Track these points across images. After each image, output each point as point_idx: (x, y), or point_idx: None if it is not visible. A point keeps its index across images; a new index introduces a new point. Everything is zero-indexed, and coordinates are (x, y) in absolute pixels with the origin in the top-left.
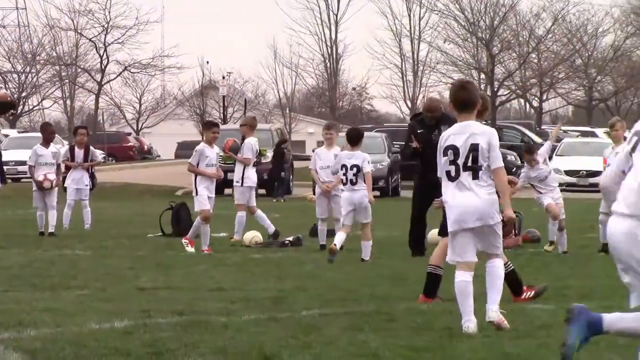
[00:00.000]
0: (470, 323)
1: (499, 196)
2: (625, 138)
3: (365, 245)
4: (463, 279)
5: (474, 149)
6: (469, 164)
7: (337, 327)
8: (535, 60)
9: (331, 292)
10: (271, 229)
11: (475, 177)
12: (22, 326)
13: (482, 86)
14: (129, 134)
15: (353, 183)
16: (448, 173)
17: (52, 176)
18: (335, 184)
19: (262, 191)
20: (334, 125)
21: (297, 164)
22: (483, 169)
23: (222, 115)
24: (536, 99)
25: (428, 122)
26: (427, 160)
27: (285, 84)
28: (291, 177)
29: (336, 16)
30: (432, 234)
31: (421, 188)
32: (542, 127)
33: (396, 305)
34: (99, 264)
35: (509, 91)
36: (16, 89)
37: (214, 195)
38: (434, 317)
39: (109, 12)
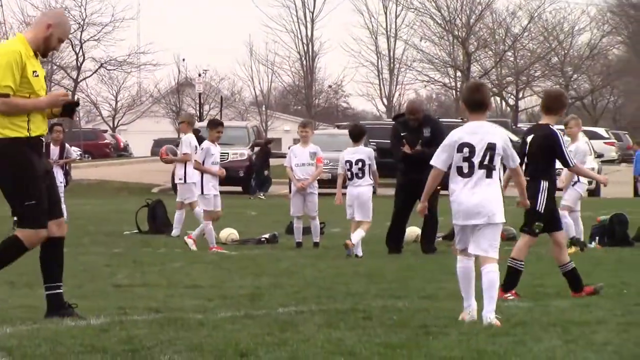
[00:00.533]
0: (470, 308)
1: None
2: (580, 135)
3: (359, 235)
4: (465, 265)
5: (491, 148)
6: (485, 162)
7: (313, 325)
8: (512, 59)
9: (307, 290)
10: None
11: (489, 175)
12: None
13: (458, 84)
14: (105, 131)
15: (359, 177)
16: (460, 169)
17: None
18: (311, 181)
19: (238, 189)
20: (309, 123)
21: (273, 162)
22: (496, 168)
23: (198, 112)
24: (512, 97)
25: (412, 124)
26: (410, 161)
27: (261, 82)
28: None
29: (312, 14)
30: (411, 230)
31: (404, 186)
32: (518, 125)
33: (372, 302)
34: (75, 261)
35: None
36: None
37: (218, 193)
38: (410, 315)
39: (85, 9)
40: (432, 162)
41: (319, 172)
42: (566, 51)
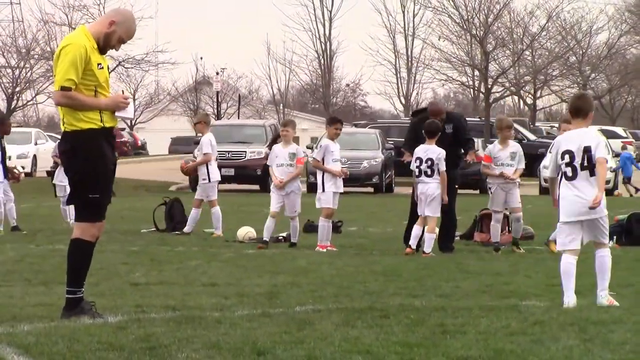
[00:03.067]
0: (570, 299)
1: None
2: (520, 140)
3: (429, 238)
4: (568, 261)
5: (587, 150)
6: (585, 164)
7: (331, 323)
8: (529, 58)
9: (324, 288)
10: (218, 231)
11: (592, 174)
12: (16, 321)
13: (476, 83)
14: (123, 129)
15: (427, 175)
16: (565, 174)
17: None
18: (287, 181)
19: (256, 187)
20: (291, 123)
21: None
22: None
23: (215, 111)
24: (530, 96)
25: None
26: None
27: (279, 80)
28: None
29: (330, 12)
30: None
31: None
32: (536, 124)
33: (389, 301)
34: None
35: (502, 88)
36: (10, 84)
37: (341, 191)
38: (427, 314)
39: (103, 8)
40: (547, 174)
41: (298, 172)
42: (584, 50)
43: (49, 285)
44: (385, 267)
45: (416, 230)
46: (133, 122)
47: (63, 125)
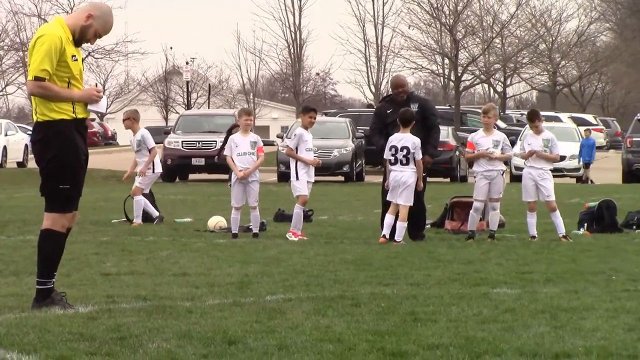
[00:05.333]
0: None
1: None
2: (496, 126)
3: (400, 227)
4: None
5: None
6: None
7: (301, 312)
8: (499, 46)
9: (295, 277)
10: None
11: None
12: None
13: (446, 71)
14: (93, 119)
15: (403, 164)
16: None
17: None
18: (252, 171)
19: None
20: (252, 112)
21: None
22: None
23: (185, 100)
24: (500, 84)
25: (400, 99)
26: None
27: (249, 70)
28: None
29: (300, 1)
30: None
31: None
32: (506, 112)
33: (360, 289)
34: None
35: (472, 76)
36: None
37: (313, 180)
38: (398, 302)
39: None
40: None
41: (261, 161)
42: (554, 38)
43: (20, 276)
44: (356, 256)
45: (388, 219)
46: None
47: (35, 115)
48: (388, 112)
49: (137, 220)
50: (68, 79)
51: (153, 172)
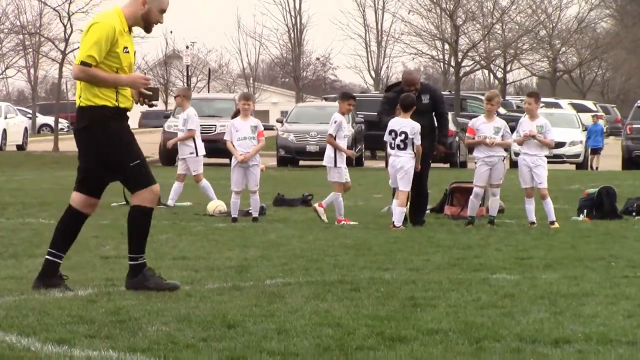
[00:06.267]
0: None
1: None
2: (497, 113)
3: (399, 211)
4: None
5: None
6: None
7: (301, 296)
8: (500, 32)
9: (295, 262)
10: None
11: None
12: None
13: (446, 57)
14: None
15: (400, 148)
16: None
17: None
18: (252, 154)
19: (225, 160)
20: (252, 96)
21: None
22: None
23: (185, 84)
24: (500, 70)
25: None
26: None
27: (249, 54)
28: None
29: None
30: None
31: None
32: (507, 98)
33: (360, 274)
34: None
35: (473, 62)
36: None
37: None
38: (397, 287)
39: None
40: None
41: (261, 146)
42: (554, 24)
43: (19, 258)
44: (356, 241)
45: (399, 212)
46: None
47: (79, 99)
48: (399, 104)
49: (215, 201)
50: (116, 70)
51: (197, 155)
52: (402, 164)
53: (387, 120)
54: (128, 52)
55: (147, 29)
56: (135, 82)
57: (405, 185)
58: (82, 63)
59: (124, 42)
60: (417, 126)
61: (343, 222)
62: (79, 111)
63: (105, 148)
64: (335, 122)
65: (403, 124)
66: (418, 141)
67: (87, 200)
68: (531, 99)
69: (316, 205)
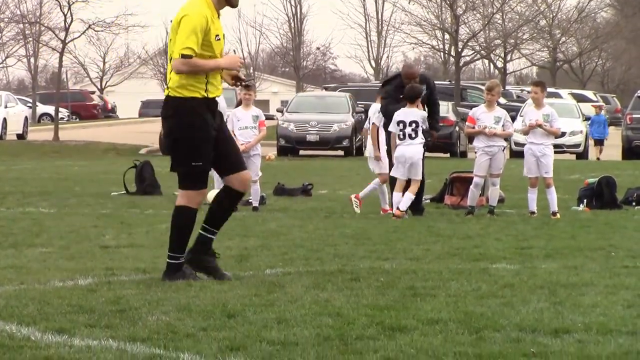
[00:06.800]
0: None
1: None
2: (497, 102)
3: (408, 197)
4: None
5: None
6: None
7: (301, 286)
8: (500, 21)
9: (295, 251)
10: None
11: None
12: None
13: (446, 47)
14: (93, 92)
15: (412, 137)
16: None
17: None
18: (253, 144)
19: None
20: (253, 86)
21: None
22: None
23: None
24: (500, 59)
25: None
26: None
27: (249, 44)
28: None
29: None
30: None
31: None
32: (507, 87)
33: (359, 264)
34: (62, 221)
35: (473, 52)
36: None
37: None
38: (397, 277)
39: None
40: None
41: (262, 135)
42: (554, 14)
43: (19, 248)
44: (356, 230)
45: (397, 197)
46: (103, 85)
47: (167, 89)
48: (401, 96)
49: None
50: (209, 58)
51: None
52: (411, 154)
53: (393, 108)
54: (219, 39)
55: (233, 4)
56: (233, 63)
57: (417, 173)
58: (183, 56)
59: (215, 29)
60: (424, 114)
61: (389, 211)
62: (165, 100)
63: (178, 139)
64: (379, 113)
65: (411, 113)
66: (427, 127)
67: (237, 177)
68: (537, 87)
69: (352, 196)
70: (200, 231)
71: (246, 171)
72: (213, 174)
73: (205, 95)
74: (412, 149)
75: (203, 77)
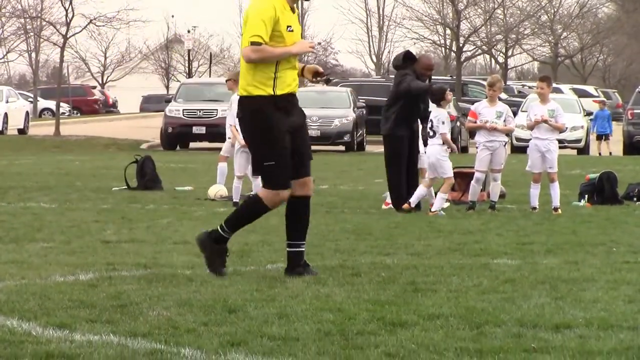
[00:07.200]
0: None
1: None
2: (500, 99)
3: (440, 198)
4: None
5: None
6: None
7: (302, 281)
8: (501, 16)
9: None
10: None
11: None
12: None
13: (448, 42)
14: (94, 87)
15: (431, 137)
16: None
17: None
18: None
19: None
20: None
21: None
22: None
23: (187, 69)
24: (502, 55)
25: (422, 79)
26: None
27: None
28: None
29: None
30: None
31: (409, 139)
32: (508, 83)
33: (360, 259)
34: (63, 216)
35: (474, 47)
36: None
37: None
38: (398, 272)
39: None
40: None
41: None
42: (556, 9)
43: (20, 242)
44: (357, 226)
45: (421, 190)
46: (104, 80)
47: (240, 88)
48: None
49: (216, 186)
50: None
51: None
52: (429, 153)
53: (418, 85)
54: (292, 30)
55: None
56: (302, 48)
57: (444, 172)
58: (252, 43)
59: (286, 20)
60: (445, 115)
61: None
62: (239, 100)
63: (250, 140)
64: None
65: (433, 112)
66: (442, 130)
67: (297, 183)
68: (543, 83)
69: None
70: (287, 249)
71: (309, 177)
72: (218, 170)
73: (272, 93)
74: (431, 149)
75: (271, 74)
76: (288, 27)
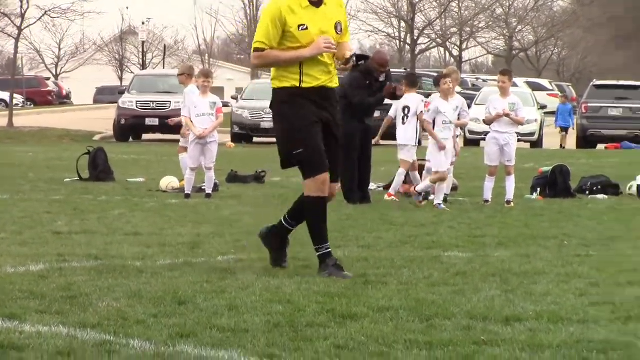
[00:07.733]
0: None
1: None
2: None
3: (439, 190)
4: None
5: None
6: None
7: (252, 273)
8: (456, 9)
9: (247, 238)
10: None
11: None
12: None
13: (402, 35)
14: (48, 78)
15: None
16: None
17: None
18: (211, 131)
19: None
20: (211, 73)
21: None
22: None
23: (141, 61)
24: (456, 48)
25: (377, 75)
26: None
27: (204, 31)
28: None
29: None
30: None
31: (362, 133)
32: (462, 76)
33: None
34: (15, 207)
35: (429, 40)
36: None
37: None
38: (349, 264)
39: None
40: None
41: (219, 122)
42: (511, 2)
43: None
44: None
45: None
46: (58, 71)
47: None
48: (367, 83)
49: (168, 177)
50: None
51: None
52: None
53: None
54: (306, 29)
55: None
56: (317, 50)
57: (438, 165)
58: (254, 49)
59: (297, 19)
60: (422, 98)
61: (393, 197)
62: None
63: (278, 131)
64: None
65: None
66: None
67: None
68: (505, 77)
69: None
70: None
71: (334, 183)
72: (181, 162)
73: (299, 85)
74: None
75: (296, 68)
76: (300, 26)
